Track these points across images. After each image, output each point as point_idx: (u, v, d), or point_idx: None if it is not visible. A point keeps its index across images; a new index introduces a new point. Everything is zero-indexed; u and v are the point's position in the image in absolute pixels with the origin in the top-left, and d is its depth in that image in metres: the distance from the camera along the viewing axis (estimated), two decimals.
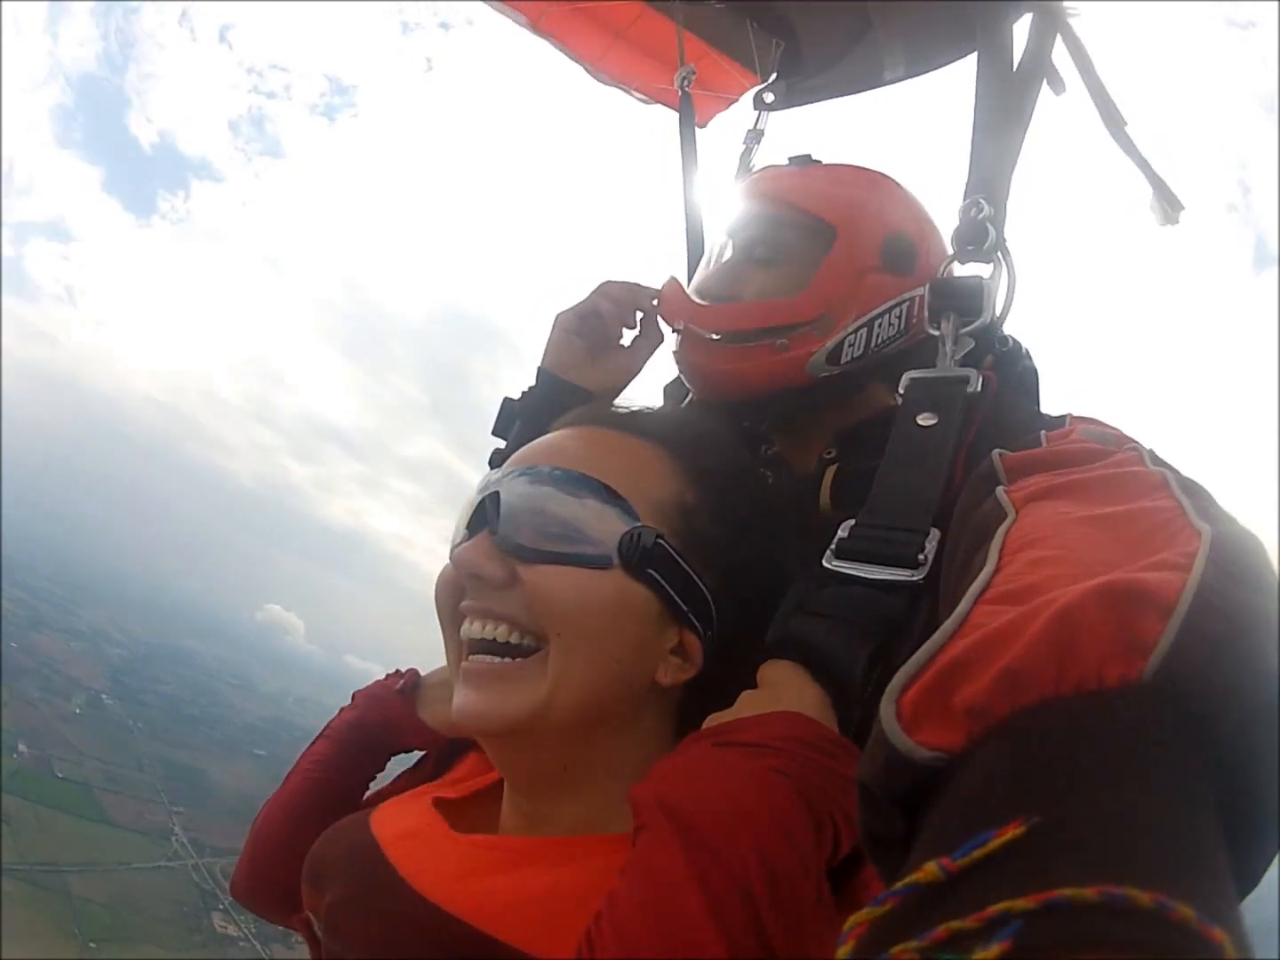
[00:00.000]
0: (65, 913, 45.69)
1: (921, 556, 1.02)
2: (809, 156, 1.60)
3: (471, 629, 0.95)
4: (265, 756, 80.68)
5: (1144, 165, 1.62)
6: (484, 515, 0.97)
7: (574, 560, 0.93)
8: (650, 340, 1.59)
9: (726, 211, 1.60)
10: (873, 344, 1.43)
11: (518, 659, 0.93)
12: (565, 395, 1.50)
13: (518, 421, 1.53)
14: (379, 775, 1.33)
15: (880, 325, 1.44)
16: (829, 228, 1.44)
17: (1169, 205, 1.64)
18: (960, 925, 0.37)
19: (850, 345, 1.42)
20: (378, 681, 1.37)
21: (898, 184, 1.55)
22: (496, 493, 0.98)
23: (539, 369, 1.57)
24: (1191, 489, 0.73)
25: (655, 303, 1.54)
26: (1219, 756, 0.45)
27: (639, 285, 1.57)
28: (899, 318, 1.44)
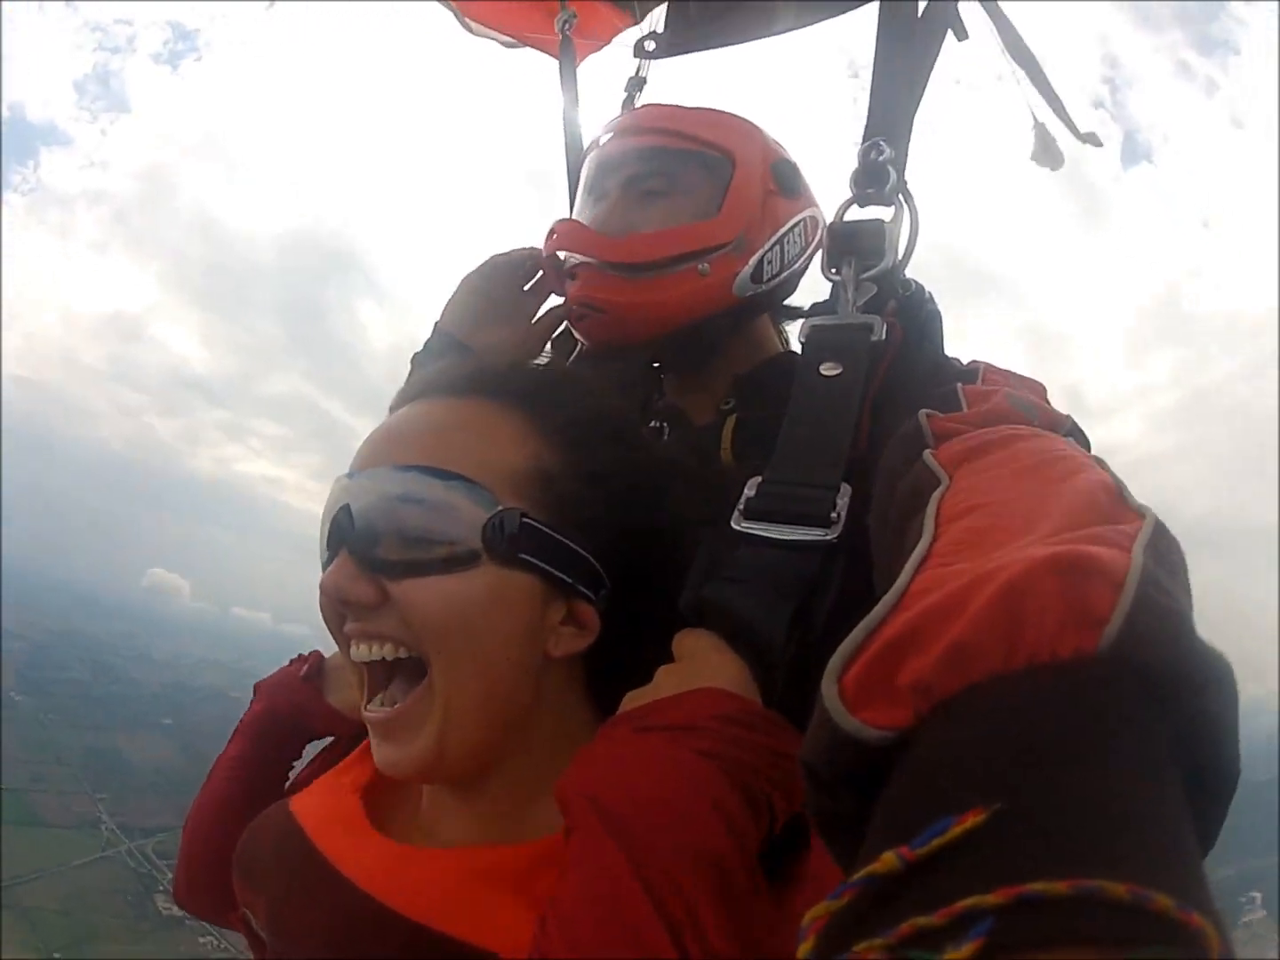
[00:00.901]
0: (23, 926, 45.01)
1: (834, 514, 0.99)
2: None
3: (359, 652, 0.91)
4: (171, 725, 79.51)
5: (1060, 110, 1.65)
6: (340, 533, 0.91)
7: (439, 567, 0.87)
8: (539, 311, 1.54)
9: (596, 153, 1.53)
10: (786, 261, 1.46)
11: (407, 699, 0.89)
12: (458, 353, 1.45)
13: (413, 373, 1.46)
14: (297, 762, 1.30)
15: (789, 243, 1.46)
16: (726, 154, 1.44)
17: (1049, 153, 1.71)
18: (927, 921, 0.36)
19: (769, 263, 1.43)
20: (281, 669, 1.32)
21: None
22: (347, 505, 0.91)
23: (435, 326, 1.53)
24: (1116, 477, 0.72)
25: (546, 244, 1.48)
26: (1175, 725, 0.45)
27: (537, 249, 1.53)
28: (801, 235, 1.48)
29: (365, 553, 0.89)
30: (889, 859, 0.40)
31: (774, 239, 1.45)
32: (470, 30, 2.35)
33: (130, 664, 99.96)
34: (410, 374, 1.45)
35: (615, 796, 0.75)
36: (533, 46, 2.29)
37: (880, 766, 0.48)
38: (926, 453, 0.84)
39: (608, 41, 2.24)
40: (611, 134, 1.54)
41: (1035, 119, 1.70)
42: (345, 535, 0.90)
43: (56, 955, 44.99)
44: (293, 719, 1.26)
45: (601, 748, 0.83)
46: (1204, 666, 0.46)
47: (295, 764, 1.30)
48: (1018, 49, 1.63)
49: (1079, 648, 0.46)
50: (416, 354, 1.52)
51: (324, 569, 0.93)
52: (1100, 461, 0.77)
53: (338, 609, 0.92)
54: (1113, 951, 0.33)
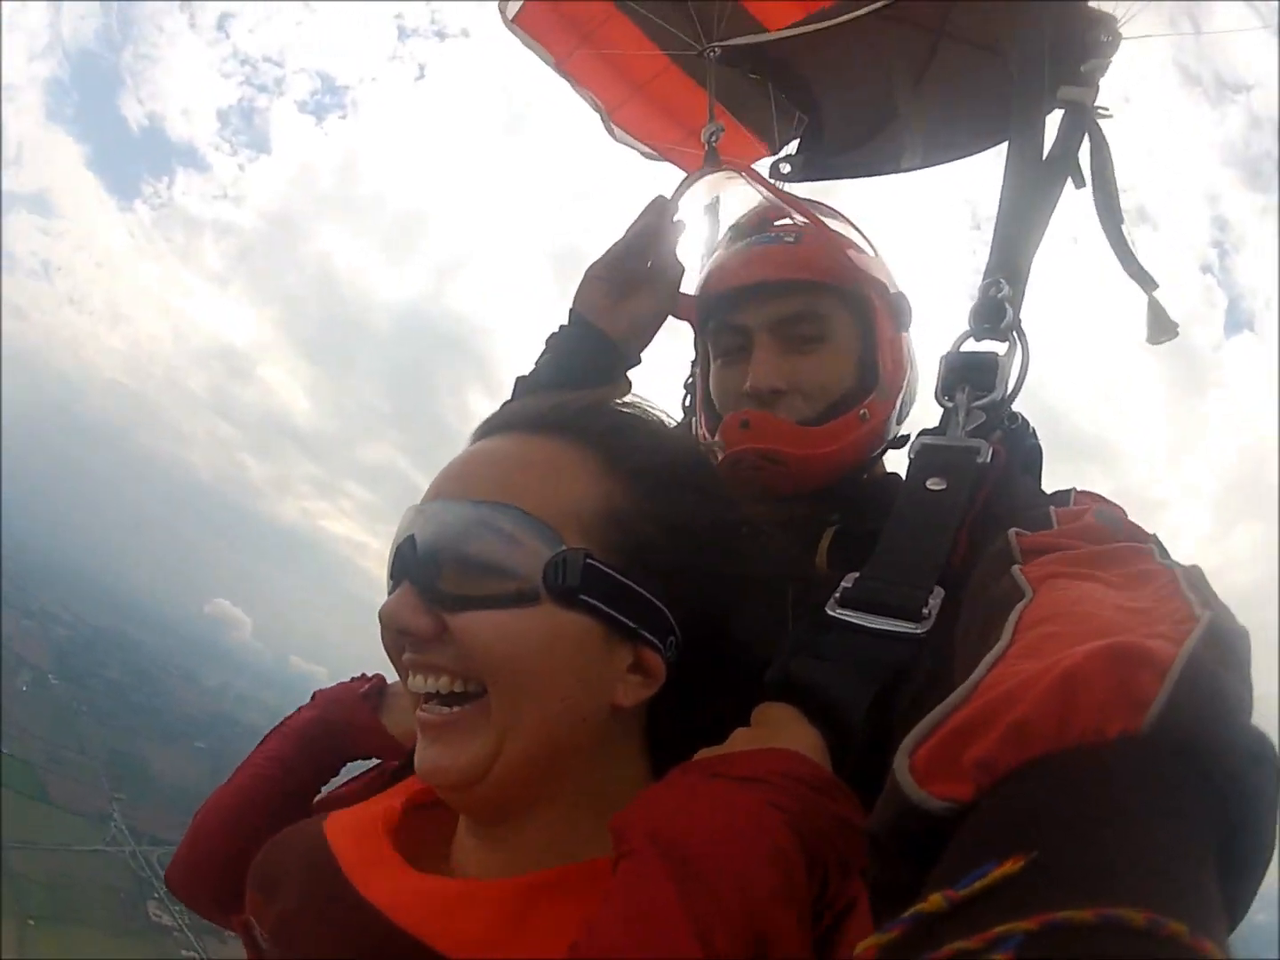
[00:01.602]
0: (7, 890, 45.13)
1: (925, 611, 1.03)
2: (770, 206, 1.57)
3: (415, 682, 0.90)
4: (205, 749, 79.74)
5: (1141, 278, 1.61)
6: (403, 563, 0.91)
7: (497, 602, 0.85)
8: (671, 275, 1.58)
9: (724, 275, 1.50)
10: (912, 397, 1.52)
11: (466, 706, 0.88)
12: (591, 339, 1.53)
13: (545, 353, 1.56)
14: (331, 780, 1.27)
15: (912, 378, 1.52)
16: (867, 293, 1.45)
17: (1161, 326, 1.63)
18: (964, 945, 0.40)
19: (906, 403, 1.49)
20: (341, 684, 1.31)
21: (859, 229, 1.59)
22: (412, 536, 0.91)
23: (570, 309, 1.57)
24: (1196, 584, 0.75)
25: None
26: (1211, 797, 0.48)
27: (656, 213, 1.56)
28: (914, 368, 1.53)
29: (426, 584, 0.88)
30: (935, 899, 0.44)
31: (905, 377, 1.49)
32: (613, 136, 2.47)
33: (175, 681, 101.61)
34: (541, 354, 1.57)
35: (678, 832, 0.73)
36: (671, 161, 2.43)
37: (939, 841, 0.52)
38: (1015, 568, 0.87)
39: (744, 166, 2.24)
40: (743, 257, 1.50)
41: (1150, 297, 1.64)
42: (408, 566, 0.90)
43: (31, 923, 44.89)
44: (342, 733, 1.26)
45: (668, 789, 0.81)
46: (1243, 749, 0.49)
47: (330, 780, 1.28)
48: (1106, 194, 1.60)
49: (1124, 728, 0.49)
50: (552, 334, 1.58)
51: (388, 597, 0.93)
52: (1175, 570, 0.80)
53: (396, 639, 0.91)
54: None
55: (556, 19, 2.28)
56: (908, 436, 1.43)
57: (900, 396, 1.48)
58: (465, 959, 0.77)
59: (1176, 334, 1.63)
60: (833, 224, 1.54)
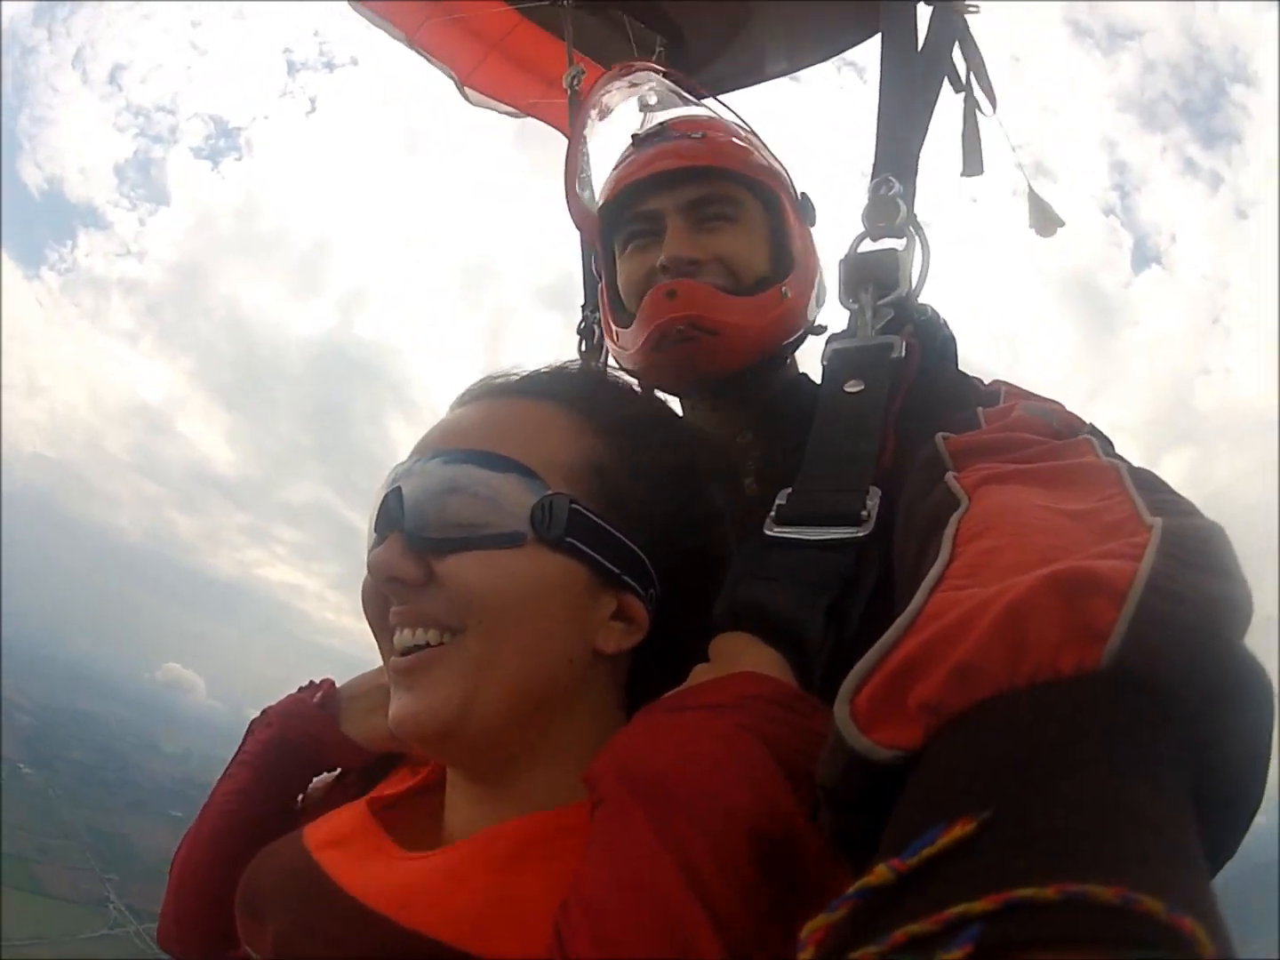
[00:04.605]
0: None
1: (864, 513, 1.00)
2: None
3: (402, 637, 0.88)
4: (181, 817, 77.72)
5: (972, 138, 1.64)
6: (389, 515, 0.89)
7: (484, 543, 0.85)
8: None
9: (635, 169, 1.45)
10: (824, 292, 1.48)
11: (440, 650, 0.85)
12: None
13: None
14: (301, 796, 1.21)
15: (821, 275, 1.49)
16: (773, 181, 1.45)
17: (1047, 217, 1.69)
18: (918, 928, 0.37)
19: (820, 295, 1.47)
20: (292, 696, 1.23)
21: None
22: (399, 488, 0.90)
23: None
24: (1145, 482, 0.72)
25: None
26: (1184, 738, 0.44)
27: None
28: (822, 270, 1.50)
29: (414, 531, 0.88)
30: (881, 871, 0.41)
31: (817, 268, 1.49)
32: (469, 100, 2.47)
33: (138, 753, 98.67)
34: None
35: (646, 767, 0.72)
36: (534, 116, 2.44)
37: (894, 787, 0.49)
38: (949, 475, 0.83)
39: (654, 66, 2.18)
40: (650, 148, 1.47)
41: (1029, 187, 1.73)
42: (394, 517, 0.89)
43: None
44: (304, 748, 1.17)
45: (632, 729, 0.80)
46: (1211, 684, 0.46)
47: (299, 798, 1.22)
48: (984, 83, 1.64)
49: (1079, 663, 0.46)
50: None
51: (370, 553, 0.91)
52: (1118, 466, 0.77)
53: (382, 591, 0.89)
54: (1100, 953, 0.34)
55: None
56: (825, 326, 1.47)
57: (819, 282, 1.47)
58: (468, 945, 0.74)
59: (1062, 223, 1.70)
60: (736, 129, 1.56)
